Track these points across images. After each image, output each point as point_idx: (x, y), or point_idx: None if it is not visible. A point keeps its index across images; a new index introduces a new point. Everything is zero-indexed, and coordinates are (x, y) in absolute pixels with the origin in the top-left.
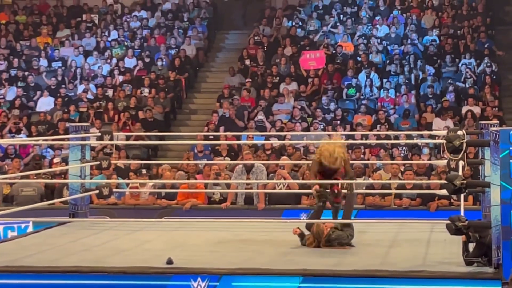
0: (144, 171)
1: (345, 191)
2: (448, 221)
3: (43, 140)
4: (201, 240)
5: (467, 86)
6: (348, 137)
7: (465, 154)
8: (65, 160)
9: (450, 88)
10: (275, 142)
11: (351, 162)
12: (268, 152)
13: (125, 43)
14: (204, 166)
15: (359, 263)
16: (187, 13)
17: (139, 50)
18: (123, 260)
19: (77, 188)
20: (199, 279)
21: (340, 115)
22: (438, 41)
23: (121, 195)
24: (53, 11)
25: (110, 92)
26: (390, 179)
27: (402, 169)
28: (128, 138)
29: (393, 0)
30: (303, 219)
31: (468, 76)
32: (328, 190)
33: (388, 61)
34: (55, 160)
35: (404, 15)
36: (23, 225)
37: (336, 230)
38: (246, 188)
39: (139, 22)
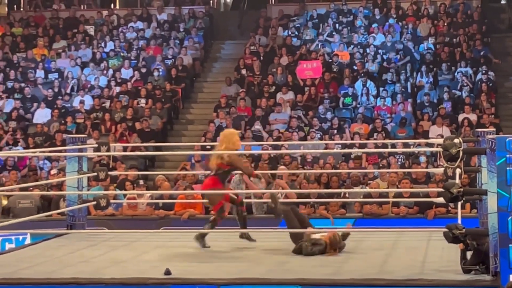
0: (141, 182)
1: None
2: (445, 229)
3: (41, 151)
4: (199, 250)
5: (463, 94)
6: (345, 146)
7: (462, 162)
8: (62, 170)
9: (447, 96)
10: (272, 152)
11: (349, 170)
12: (266, 162)
13: (122, 54)
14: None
15: (357, 272)
16: (183, 24)
17: (135, 61)
18: (121, 271)
19: (75, 199)
20: None
21: (336, 124)
22: (434, 49)
23: (118, 206)
24: (49, 22)
25: (107, 103)
26: (387, 187)
27: (399, 178)
28: (125, 149)
29: (388, 8)
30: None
31: (465, 84)
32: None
33: (384, 70)
34: (52, 171)
35: (400, 23)
36: (20, 237)
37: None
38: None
39: (135, 33)
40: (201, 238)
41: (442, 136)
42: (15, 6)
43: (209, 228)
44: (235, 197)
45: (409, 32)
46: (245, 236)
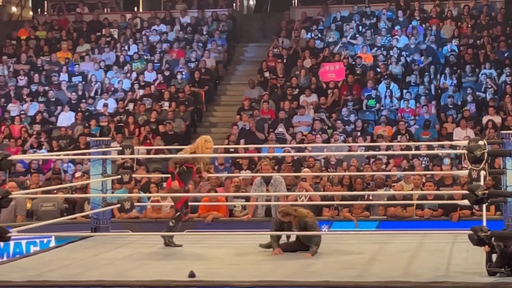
0: (165, 184)
1: None
2: (470, 232)
3: (65, 154)
4: (223, 253)
5: (487, 95)
6: (368, 148)
7: (486, 164)
8: (87, 173)
9: (471, 98)
10: (296, 155)
11: (372, 173)
12: (289, 165)
13: (145, 57)
14: (226, 179)
15: (382, 274)
16: (206, 27)
17: (158, 64)
18: (145, 273)
19: (99, 202)
20: None
21: (360, 126)
22: (457, 51)
23: (142, 209)
24: (73, 26)
25: (130, 106)
26: (411, 189)
27: (424, 180)
28: (148, 152)
29: (412, 10)
30: (325, 231)
31: (489, 86)
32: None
33: (407, 72)
34: (77, 174)
35: (423, 25)
36: (45, 240)
37: None
38: (266, 200)
39: (158, 36)
40: (168, 237)
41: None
42: (39, 9)
43: (173, 225)
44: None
45: (433, 34)
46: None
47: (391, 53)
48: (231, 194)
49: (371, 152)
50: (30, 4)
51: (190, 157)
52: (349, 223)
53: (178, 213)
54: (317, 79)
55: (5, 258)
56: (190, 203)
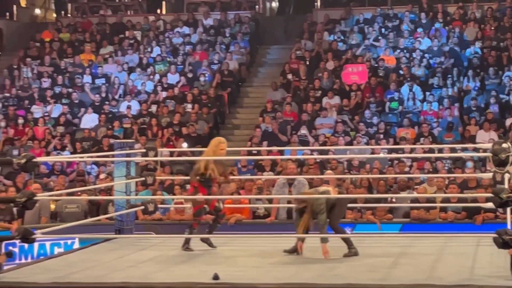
0: (188, 186)
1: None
2: (495, 235)
3: (89, 156)
4: (247, 255)
5: (511, 98)
6: (391, 150)
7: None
8: (110, 175)
9: (494, 100)
10: (318, 157)
11: (395, 175)
12: (311, 167)
13: (168, 59)
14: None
15: (406, 278)
16: (229, 29)
17: (181, 66)
18: (169, 276)
19: (123, 204)
20: None
21: (383, 129)
22: (481, 54)
23: (166, 211)
24: (96, 28)
25: (153, 108)
26: (435, 192)
27: (447, 183)
28: (171, 154)
29: (434, 13)
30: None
31: None
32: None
33: (430, 74)
34: (101, 176)
35: (446, 27)
36: (69, 242)
37: None
38: (288, 202)
39: (181, 38)
40: (185, 243)
41: (491, 141)
42: (62, 12)
43: (189, 234)
44: (219, 206)
45: (456, 36)
46: (208, 242)
47: (414, 55)
48: (254, 196)
49: (394, 155)
50: (53, 7)
51: (201, 167)
52: (372, 225)
53: (192, 221)
54: (340, 81)
55: (29, 260)
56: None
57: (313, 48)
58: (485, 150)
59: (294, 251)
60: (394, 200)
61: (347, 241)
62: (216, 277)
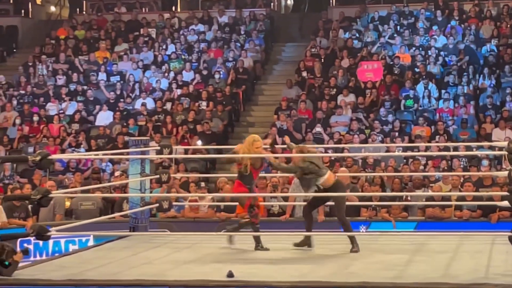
0: (203, 184)
1: None
2: (510, 233)
3: (103, 154)
4: (262, 253)
5: None
6: (406, 148)
7: None
8: (125, 173)
9: (510, 98)
10: (333, 155)
11: (411, 173)
12: (326, 165)
13: (183, 57)
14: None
15: (420, 276)
16: (244, 26)
17: (196, 64)
18: (184, 273)
19: (137, 201)
20: None
21: (398, 127)
22: (496, 51)
23: (180, 208)
24: (111, 25)
25: (168, 106)
26: (450, 190)
27: (462, 181)
28: (186, 151)
29: (450, 10)
30: (363, 231)
31: None
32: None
33: (446, 72)
34: (116, 173)
35: (462, 25)
36: (84, 239)
37: None
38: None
39: (196, 35)
40: (257, 244)
41: (507, 139)
42: (77, 9)
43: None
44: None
45: (472, 34)
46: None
47: (429, 53)
48: (269, 194)
49: (409, 153)
50: (68, 4)
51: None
52: (387, 223)
53: (247, 219)
54: (355, 79)
55: (44, 257)
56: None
57: (328, 45)
58: (500, 148)
59: (305, 244)
60: (409, 198)
61: (351, 238)
62: (230, 274)
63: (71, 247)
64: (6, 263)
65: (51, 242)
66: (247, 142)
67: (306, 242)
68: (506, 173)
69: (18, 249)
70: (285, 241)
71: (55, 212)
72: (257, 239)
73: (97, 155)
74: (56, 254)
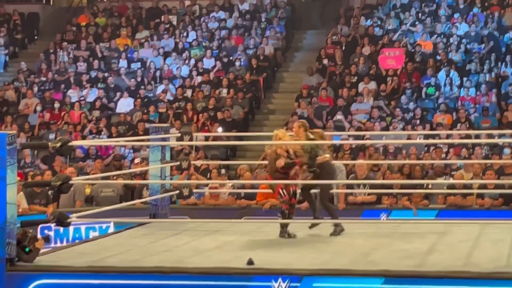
0: (223, 171)
1: None
2: None
3: (124, 141)
4: (281, 240)
5: None
6: (428, 136)
7: None
8: (145, 160)
9: None
10: (354, 142)
11: (432, 161)
12: (347, 152)
13: (204, 44)
14: None
15: (442, 264)
16: (265, 13)
17: (217, 51)
18: (204, 260)
19: (158, 188)
20: (280, 279)
21: (419, 114)
22: None
23: (200, 196)
24: (132, 12)
25: (189, 93)
26: (471, 178)
27: (484, 169)
28: (207, 138)
29: None
30: (383, 219)
31: None
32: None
33: (468, 60)
34: (136, 160)
35: (484, 13)
36: (104, 226)
37: None
38: None
39: (217, 23)
40: (282, 229)
41: None
42: None
43: (283, 219)
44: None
45: (494, 21)
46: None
47: (451, 40)
48: (289, 181)
49: (430, 141)
50: None
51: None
52: (408, 211)
53: (282, 210)
54: (376, 66)
55: (64, 243)
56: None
57: (350, 33)
58: None
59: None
60: (430, 186)
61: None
62: (250, 262)
63: (92, 234)
64: (27, 249)
65: (71, 228)
66: (280, 136)
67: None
68: None
69: (39, 236)
70: (306, 229)
71: (75, 199)
72: (283, 226)
73: (118, 142)
74: (77, 241)
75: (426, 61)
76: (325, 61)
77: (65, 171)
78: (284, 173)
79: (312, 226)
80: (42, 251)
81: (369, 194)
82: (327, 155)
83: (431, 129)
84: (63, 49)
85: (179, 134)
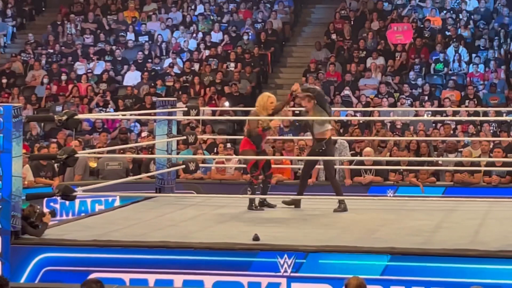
0: (229, 145)
1: None
2: None
3: (131, 114)
4: (288, 216)
5: None
6: (436, 112)
7: None
8: (152, 133)
9: None
10: (361, 118)
11: (439, 138)
12: (355, 128)
13: (212, 18)
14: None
15: (448, 242)
16: None
17: (225, 25)
18: (209, 235)
19: (164, 162)
20: (285, 256)
21: (427, 91)
22: None
23: (207, 170)
24: None
25: (196, 67)
26: (479, 156)
27: (492, 146)
28: (214, 112)
29: None
30: (390, 196)
31: None
32: None
33: (477, 36)
34: (143, 134)
35: None
36: (110, 199)
37: None
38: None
39: None
40: (251, 204)
41: None
42: None
43: (251, 192)
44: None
45: None
46: (265, 203)
47: (460, 16)
48: (295, 157)
49: (438, 117)
50: None
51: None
52: (415, 188)
53: (250, 180)
54: (384, 41)
55: (70, 216)
56: None
57: (358, 8)
58: None
59: (293, 203)
60: (440, 162)
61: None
62: (256, 238)
63: (97, 207)
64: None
65: (77, 202)
66: (259, 102)
67: (294, 202)
68: None
69: (45, 209)
70: (312, 205)
71: (75, 173)
72: (250, 200)
73: (124, 115)
74: (82, 214)
75: (435, 36)
76: (334, 36)
77: (70, 144)
78: (257, 147)
79: (286, 203)
80: None
81: (376, 175)
82: (329, 126)
83: (439, 105)
84: (70, 21)
85: (186, 108)
